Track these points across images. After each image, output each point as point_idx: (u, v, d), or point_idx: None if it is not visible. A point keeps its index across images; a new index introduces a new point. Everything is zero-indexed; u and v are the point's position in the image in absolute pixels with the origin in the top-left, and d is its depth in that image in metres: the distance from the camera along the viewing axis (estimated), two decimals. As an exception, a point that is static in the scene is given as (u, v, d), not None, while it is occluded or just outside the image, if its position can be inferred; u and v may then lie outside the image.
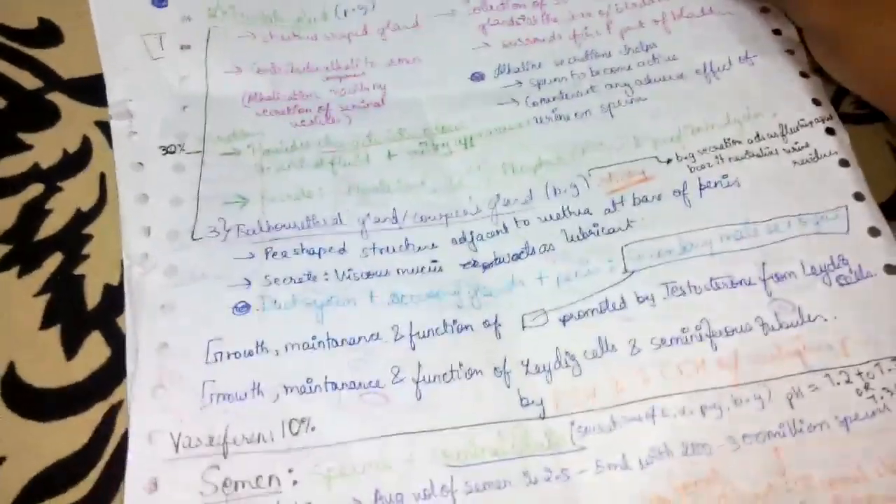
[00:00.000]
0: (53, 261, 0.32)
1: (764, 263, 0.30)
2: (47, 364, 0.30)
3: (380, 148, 0.35)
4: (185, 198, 0.33)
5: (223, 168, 0.34)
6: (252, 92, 0.36)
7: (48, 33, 0.38)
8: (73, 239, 0.33)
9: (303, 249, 0.32)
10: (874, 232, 0.30)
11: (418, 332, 0.30)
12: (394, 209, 0.33)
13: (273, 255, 0.32)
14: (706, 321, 0.29)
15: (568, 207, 0.32)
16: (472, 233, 0.32)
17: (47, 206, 0.34)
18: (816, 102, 0.34)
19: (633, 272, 0.31)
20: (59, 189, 0.34)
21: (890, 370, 0.27)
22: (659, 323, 0.30)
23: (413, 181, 0.34)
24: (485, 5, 0.38)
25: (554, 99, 0.35)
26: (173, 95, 0.35)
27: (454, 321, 0.31)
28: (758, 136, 0.33)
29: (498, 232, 0.32)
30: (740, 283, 0.30)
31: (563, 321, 0.30)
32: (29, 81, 0.36)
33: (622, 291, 0.30)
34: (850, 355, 0.28)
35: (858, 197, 0.31)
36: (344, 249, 0.32)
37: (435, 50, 0.37)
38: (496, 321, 0.30)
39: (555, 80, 0.36)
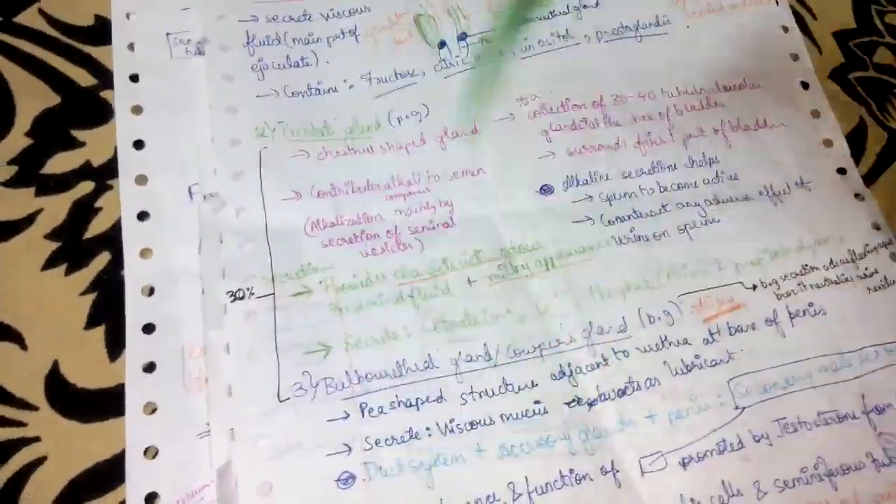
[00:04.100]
0: (101, 260, 0.32)
1: (863, 395, 0.31)
2: (90, 364, 0.30)
3: (458, 274, 0.33)
4: (262, 350, 0.30)
5: (297, 311, 0.31)
6: (315, 219, 0.33)
7: (104, 31, 0.36)
8: (121, 239, 0.32)
9: (399, 402, 0.30)
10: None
11: (536, 489, 0.29)
12: (484, 344, 0.31)
13: (370, 412, 0.29)
14: (822, 460, 0.30)
15: (666, 337, 0.32)
16: (570, 365, 0.31)
17: (97, 205, 0.33)
18: (876, 227, 0.35)
19: (743, 408, 0.31)
20: (109, 188, 0.33)
21: None
22: (778, 463, 0.30)
23: (499, 310, 0.32)
24: (544, 108, 0.37)
25: (629, 217, 0.35)
26: (231, 231, 0.32)
27: (570, 470, 0.29)
28: (832, 262, 0.34)
29: (598, 364, 0.31)
30: (845, 417, 0.31)
31: (683, 464, 0.30)
32: (84, 79, 0.35)
33: (737, 430, 0.30)
34: (956, 490, 0.30)
35: (932, 323, 0.33)
36: (442, 397, 0.30)
37: (498, 159, 0.35)
38: (613, 467, 0.30)
39: (625, 195, 0.35)
